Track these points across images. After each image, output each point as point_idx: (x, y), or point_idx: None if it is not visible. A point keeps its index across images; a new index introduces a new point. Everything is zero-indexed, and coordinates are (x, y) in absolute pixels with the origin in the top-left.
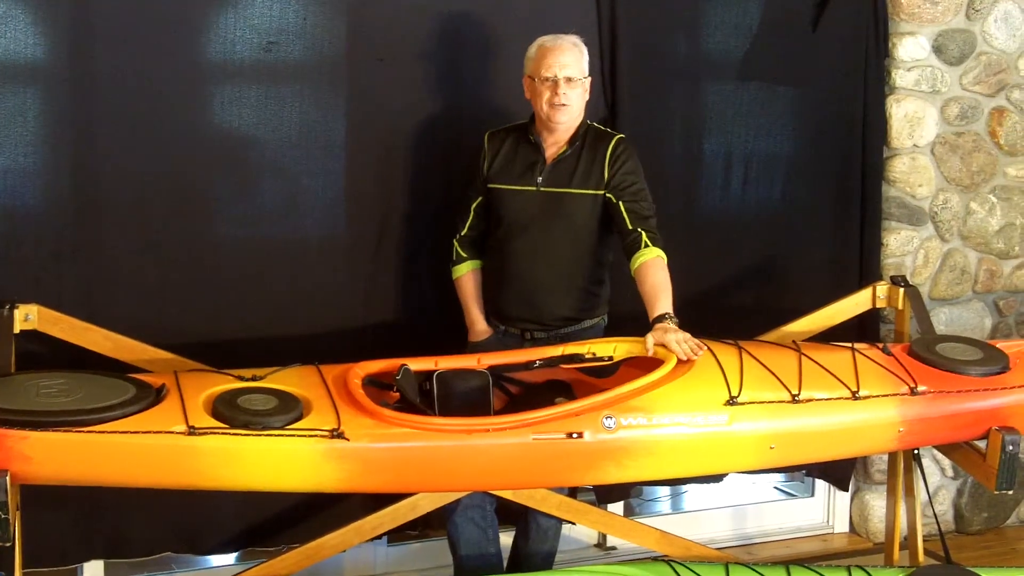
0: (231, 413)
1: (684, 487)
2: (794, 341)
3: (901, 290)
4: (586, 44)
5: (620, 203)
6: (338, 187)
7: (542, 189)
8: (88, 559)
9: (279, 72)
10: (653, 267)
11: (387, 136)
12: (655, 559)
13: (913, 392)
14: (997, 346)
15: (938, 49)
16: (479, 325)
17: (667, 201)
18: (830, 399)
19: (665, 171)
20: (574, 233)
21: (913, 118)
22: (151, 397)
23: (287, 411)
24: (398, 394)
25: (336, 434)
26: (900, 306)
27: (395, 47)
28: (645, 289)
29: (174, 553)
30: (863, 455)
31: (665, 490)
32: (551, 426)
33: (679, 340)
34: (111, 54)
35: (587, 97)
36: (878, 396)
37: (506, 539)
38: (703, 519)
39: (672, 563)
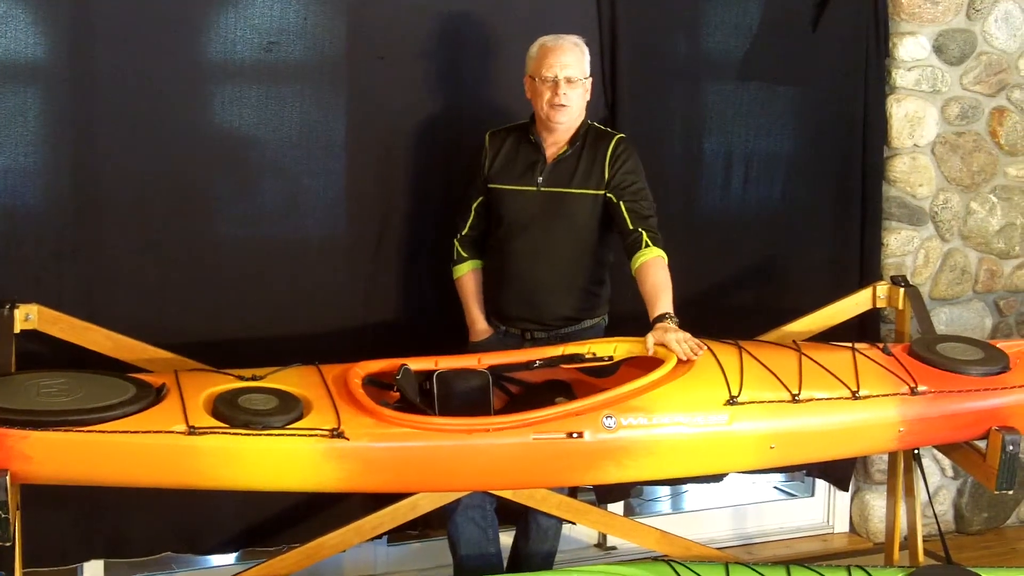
0: (231, 413)
1: (684, 487)
2: (794, 341)
3: (901, 290)
4: (586, 44)
5: (621, 203)
6: (338, 187)
7: (543, 189)
8: (88, 559)
9: (279, 72)
10: (653, 267)
11: (387, 136)
12: (655, 559)
13: (913, 392)
14: (997, 346)
15: (938, 49)
16: (479, 325)
17: (667, 201)
18: (830, 399)
19: (665, 171)
20: (575, 233)
21: (913, 118)
22: (151, 397)
23: (287, 411)
24: (398, 394)
25: (336, 434)
26: (900, 306)
27: (395, 47)
28: (645, 289)
29: (174, 553)
30: (863, 455)
31: (665, 490)
32: (551, 426)
33: (679, 340)
34: (111, 54)
35: (588, 97)
36: (878, 396)
37: (506, 539)
38: (703, 519)
39: (672, 563)
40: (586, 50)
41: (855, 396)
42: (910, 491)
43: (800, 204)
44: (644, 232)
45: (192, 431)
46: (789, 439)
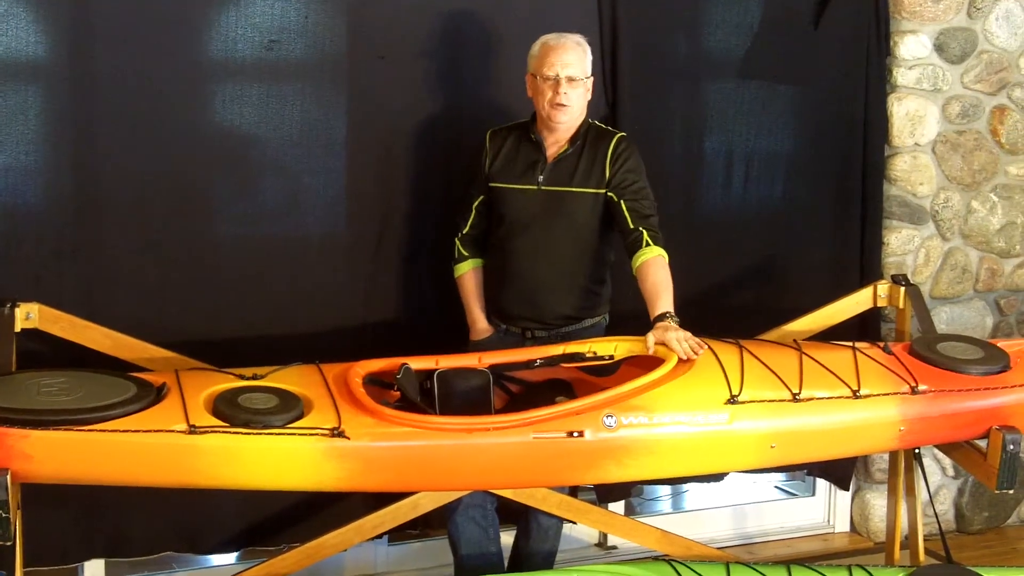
0: (232, 412)
1: (685, 486)
2: (795, 340)
3: (902, 289)
4: (588, 43)
5: (621, 202)
6: (339, 186)
7: (543, 188)
8: (89, 558)
9: (280, 71)
10: (654, 266)
11: (388, 135)
12: (656, 558)
13: (914, 391)
14: (998, 345)
15: (939, 47)
16: (480, 324)
17: (668, 200)
18: (831, 398)
19: (666, 170)
20: (575, 232)
21: (914, 117)
22: (152, 396)
23: (288, 410)
24: (399, 393)
25: (337, 433)
26: (901, 305)
27: (396, 46)
28: (646, 288)
29: (175, 552)
30: (864, 454)
31: (666, 489)
32: (552, 425)
33: (680, 339)
34: (112, 53)
35: (589, 97)
36: (879, 395)
37: (507, 538)
38: (704, 518)
39: (673, 562)
40: (588, 49)
41: (856, 395)
42: (911, 490)
43: (801, 203)
44: (645, 231)
45: (193, 430)
46: (790, 438)
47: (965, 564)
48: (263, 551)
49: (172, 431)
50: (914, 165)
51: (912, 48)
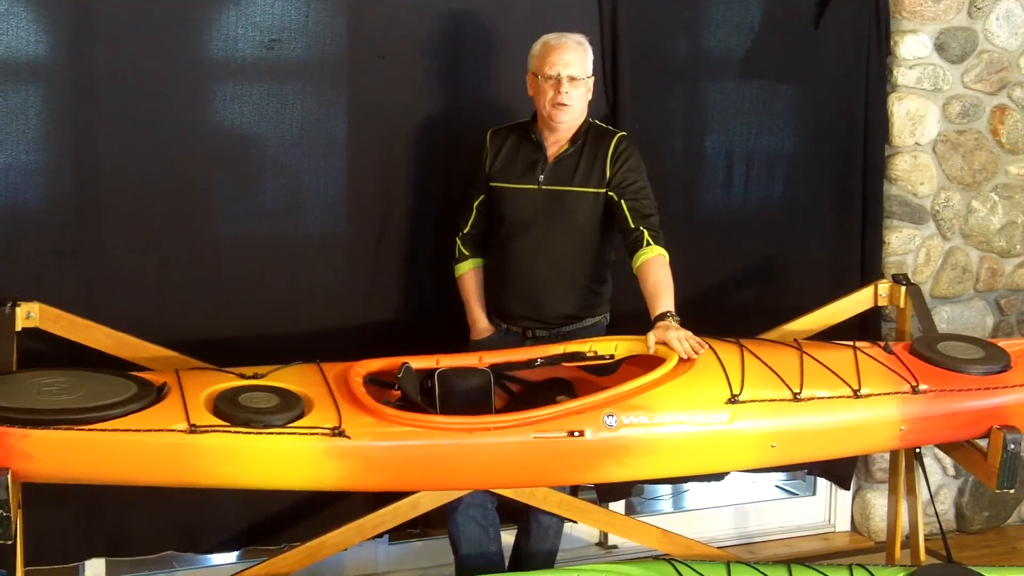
0: (232, 411)
1: (685, 486)
2: (795, 339)
3: (903, 288)
4: (589, 42)
5: (622, 201)
6: (339, 185)
7: (544, 188)
8: (89, 557)
9: (281, 70)
10: (655, 265)
11: (388, 134)
12: (656, 558)
13: (914, 391)
14: (999, 345)
15: (940, 47)
16: (481, 323)
17: (668, 200)
18: (831, 397)
19: (666, 170)
20: (576, 231)
21: (915, 116)
22: (152, 395)
23: (288, 409)
24: (399, 392)
25: (337, 432)
26: (901, 304)
27: (396, 45)
28: (647, 287)
29: (175, 551)
30: (864, 453)
31: (666, 489)
32: (552, 424)
33: (680, 338)
34: (112, 52)
35: (590, 96)
36: (879, 394)
37: (507, 538)
38: (704, 518)
39: (673, 562)
40: (589, 49)
41: (856, 395)
42: (911, 490)
43: (801, 203)
44: (645, 231)
45: (193, 430)
46: (790, 438)
47: (966, 564)
48: (264, 550)
49: (173, 430)
50: (914, 165)
51: (912, 48)
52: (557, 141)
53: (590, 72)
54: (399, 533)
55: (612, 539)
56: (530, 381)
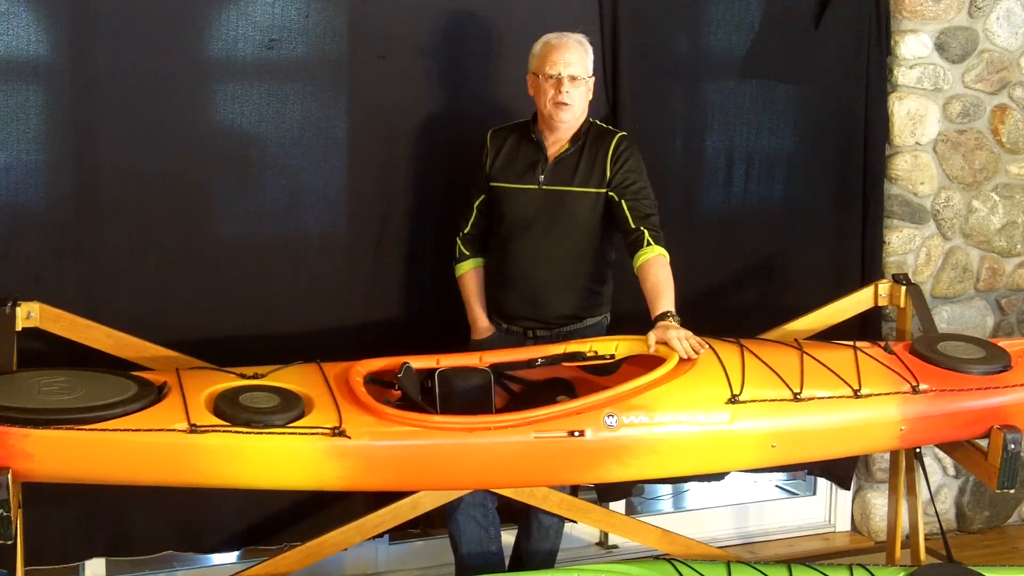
0: (233, 411)
1: (686, 485)
2: (796, 339)
3: (903, 288)
4: (589, 42)
5: (622, 201)
6: (339, 185)
7: (544, 188)
8: (90, 557)
9: (281, 69)
10: (655, 265)
11: (388, 134)
12: (657, 558)
13: (915, 390)
14: (999, 344)
15: (940, 47)
16: (481, 323)
17: (669, 199)
18: (832, 397)
19: (667, 169)
20: (576, 231)
21: (915, 116)
22: (153, 395)
23: (289, 409)
24: (400, 392)
25: (337, 432)
26: (902, 304)
27: (397, 45)
28: (647, 287)
29: (176, 551)
30: (865, 453)
31: (667, 488)
32: (553, 424)
33: (681, 338)
34: (113, 51)
35: (591, 96)
36: (880, 394)
37: (508, 537)
38: (705, 518)
39: (674, 562)
40: (590, 49)
41: (857, 395)
42: (912, 490)
43: (801, 202)
44: (646, 231)
45: (193, 429)
46: (791, 438)
47: (966, 563)
48: (264, 550)
49: (173, 430)
50: (915, 164)
51: (913, 47)
52: (557, 141)
53: (591, 72)
54: (399, 533)
55: (612, 539)
56: (530, 381)
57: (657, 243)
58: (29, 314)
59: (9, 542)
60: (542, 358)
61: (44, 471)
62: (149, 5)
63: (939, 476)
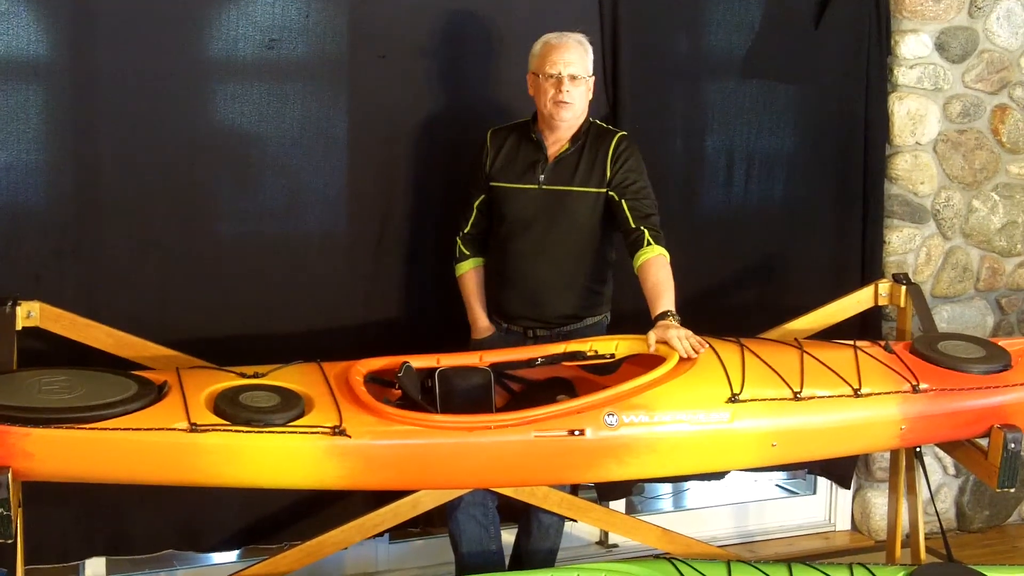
0: (233, 410)
1: (686, 485)
2: (796, 339)
3: (903, 288)
4: (589, 42)
5: (623, 201)
6: (340, 184)
7: (544, 187)
8: (90, 556)
9: (281, 69)
10: (655, 265)
11: (389, 134)
12: (657, 557)
13: (915, 390)
14: (999, 344)
15: (940, 47)
16: (481, 322)
17: (669, 199)
18: (832, 396)
19: (667, 169)
20: (576, 231)
21: (915, 116)
22: (153, 394)
23: (289, 408)
24: (400, 391)
25: (338, 431)
26: (902, 304)
27: (397, 44)
28: (647, 287)
29: (176, 550)
30: (865, 453)
31: (667, 488)
32: (553, 423)
33: (681, 337)
34: (113, 51)
35: (591, 96)
36: (880, 394)
37: (508, 536)
38: (705, 517)
39: (674, 561)
40: (589, 48)
41: (857, 394)
42: (912, 489)
43: (802, 202)
44: (646, 231)
45: (194, 428)
46: (791, 437)
47: (966, 562)
48: (264, 549)
49: (173, 429)
50: (915, 164)
51: (913, 47)
52: (557, 141)
53: (591, 71)
54: (399, 532)
55: (613, 538)
56: (531, 380)
57: (657, 243)
58: (29, 313)
59: (9, 541)
60: (542, 357)
61: (44, 470)
62: (149, 5)
63: (939, 475)
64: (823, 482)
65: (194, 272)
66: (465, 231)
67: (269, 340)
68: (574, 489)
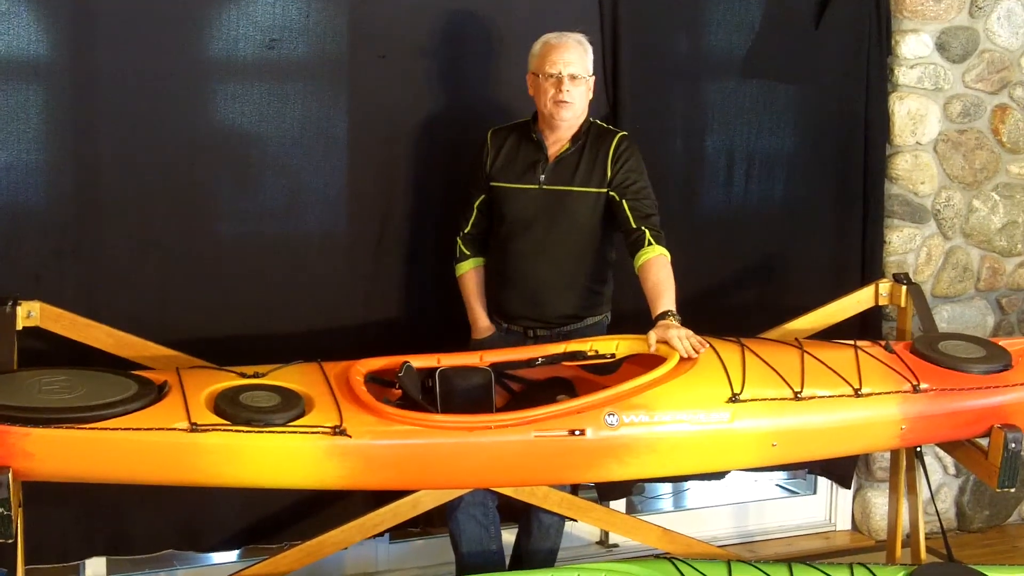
0: (233, 410)
1: (686, 484)
2: (796, 338)
3: (903, 287)
4: (589, 42)
5: (623, 201)
6: (340, 184)
7: (544, 187)
8: (90, 556)
9: (281, 69)
10: (656, 265)
11: (389, 133)
12: (657, 556)
13: (915, 390)
14: (999, 344)
15: (941, 47)
16: (482, 322)
17: (669, 199)
18: (832, 396)
19: (667, 169)
20: (577, 231)
21: (916, 116)
22: (153, 394)
23: (289, 408)
24: (400, 391)
25: (338, 431)
26: (902, 304)
27: (397, 44)
28: (648, 287)
29: (176, 550)
30: (865, 452)
31: (667, 487)
32: (553, 423)
33: (681, 337)
34: (113, 51)
35: (591, 96)
36: (880, 393)
37: (508, 536)
38: (705, 516)
39: (674, 560)
40: (589, 48)
41: (857, 394)
42: (912, 489)
43: (802, 202)
44: (647, 231)
45: (194, 428)
46: (791, 437)
47: (966, 562)
48: (264, 549)
49: (173, 429)
50: (915, 164)
51: (913, 47)
52: (558, 140)
53: (591, 71)
54: (399, 532)
55: (613, 538)
56: (531, 380)
57: (658, 243)
58: (29, 313)
59: (9, 541)
60: (542, 357)
61: (44, 470)
62: (149, 5)
63: (939, 475)
64: (823, 482)
65: (194, 272)
66: (465, 231)
67: (269, 340)
68: (574, 489)
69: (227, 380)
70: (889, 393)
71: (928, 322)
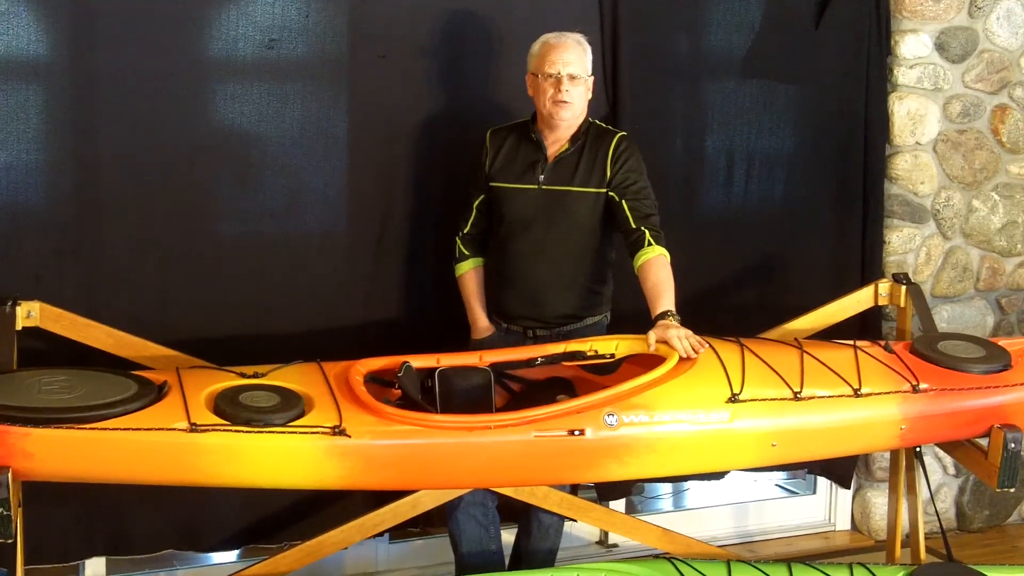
0: (233, 410)
1: (686, 484)
2: (796, 339)
3: (903, 287)
4: (588, 42)
5: (623, 201)
6: (340, 184)
7: (544, 187)
8: (90, 556)
9: (281, 69)
10: (656, 265)
11: (389, 133)
12: (657, 556)
13: (915, 390)
14: (999, 344)
15: (940, 47)
16: (481, 322)
17: (669, 199)
18: (832, 396)
19: (667, 169)
20: (576, 231)
21: (915, 116)
22: (153, 394)
23: (289, 408)
24: (400, 391)
25: (338, 431)
26: (902, 304)
27: (397, 45)
28: (647, 287)
29: (176, 550)
30: (865, 452)
31: (667, 487)
32: (553, 423)
33: (681, 337)
34: (113, 51)
35: (590, 96)
36: (880, 394)
37: (508, 536)
38: (705, 516)
39: (674, 560)
40: (588, 48)
41: (857, 394)
42: (912, 489)
43: (802, 202)
44: (646, 231)
45: (194, 428)
46: (791, 437)
47: (966, 562)
48: (264, 549)
49: (173, 429)
50: (915, 164)
51: (913, 47)
52: (557, 140)
53: (590, 71)
54: (399, 532)
55: (612, 538)
56: (530, 380)
57: (658, 243)
58: (29, 313)
59: (9, 541)
60: (542, 357)
61: (44, 470)
62: (149, 5)
63: (939, 475)
64: (823, 482)
65: (194, 272)
66: (465, 231)
67: (269, 340)
68: (574, 489)
69: (227, 380)
70: (889, 393)
71: (928, 322)
